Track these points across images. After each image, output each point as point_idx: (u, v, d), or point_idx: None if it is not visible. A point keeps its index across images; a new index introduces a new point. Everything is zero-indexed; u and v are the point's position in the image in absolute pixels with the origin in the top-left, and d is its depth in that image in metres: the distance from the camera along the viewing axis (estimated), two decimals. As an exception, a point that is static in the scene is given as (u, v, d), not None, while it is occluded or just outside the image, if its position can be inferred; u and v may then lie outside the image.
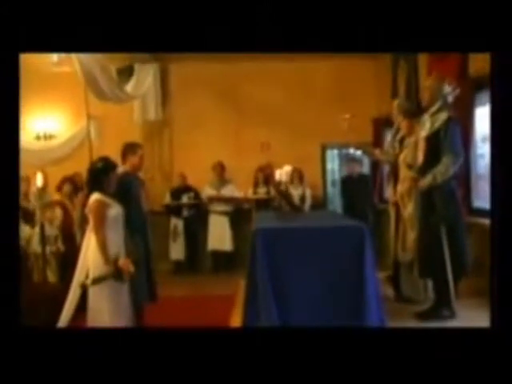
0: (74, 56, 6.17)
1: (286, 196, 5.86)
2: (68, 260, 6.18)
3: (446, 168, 5.28)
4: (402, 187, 5.96)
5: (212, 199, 9.66)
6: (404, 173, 5.92)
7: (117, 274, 4.39)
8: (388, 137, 9.06)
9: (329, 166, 11.58)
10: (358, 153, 11.25)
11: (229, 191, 9.69)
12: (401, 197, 6.00)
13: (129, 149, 5.32)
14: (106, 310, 4.42)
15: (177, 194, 9.74)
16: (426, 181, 5.37)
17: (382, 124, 9.33)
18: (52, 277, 6.69)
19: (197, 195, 9.74)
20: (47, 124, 9.94)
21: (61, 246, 6.76)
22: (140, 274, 4.82)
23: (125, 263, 4.41)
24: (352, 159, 10.05)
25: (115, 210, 4.57)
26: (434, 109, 5.46)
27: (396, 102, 6.85)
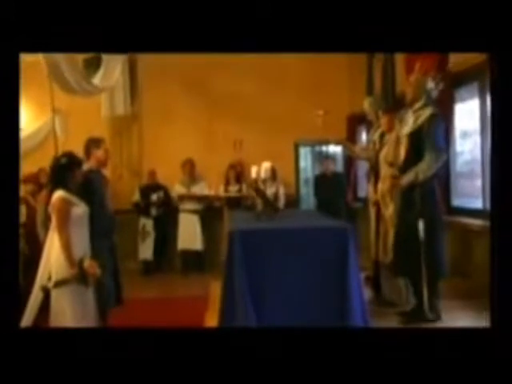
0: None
1: (263, 194, 5.63)
2: (31, 260, 5.88)
3: (428, 165, 5.11)
4: (383, 186, 5.79)
5: (182, 197, 9.43)
6: (385, 171, 5.76)
7: (81, 277, 4.17)
8: (363, 134, 8.99)
9: (302, 163, 11.40)
10: (332, 150, 11.14)
11: (199, 189, 9.48)
12: (382, 196, 5.83)
13: (92, 143, 5.13)
14: (70, 315, 4.20)
15: (146, 191, 9.50)
16: (407, 178, 5.19)
17: (356, 121, 9.21)
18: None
19: (166, 193, 9.52)
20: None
21: (23, 245, 6.43)
22: (106, 278, 4.61)
23: (90, 266, 4.21)
24: (326, 157, 9.93)
25: (80, 209, 4.37)
26: (418, 105, 5.30)
27: (368, 99, 6.71)
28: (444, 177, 6.18)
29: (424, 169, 5.11)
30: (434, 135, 5.12)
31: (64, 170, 4.35)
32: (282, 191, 9.10)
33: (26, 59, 7.72)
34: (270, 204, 5.70)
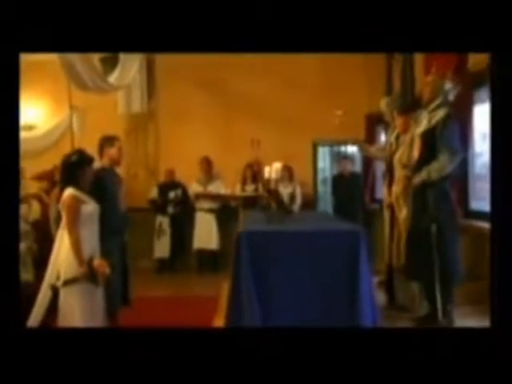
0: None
1: (275, 195, 5.57)
2: (44, 258, 5.89)
3: (441, 165, 4.98)
4: (397, 188, 5.69)
5: (198, 196, 9.40)
6: (399, 173, 5.65)
7: (91, 276, 4.15)
8: (381, 134, 8.88)
9: (320, 163, 11.32)
10: (350, 150, 11.05)
11: (216, 188, 9.45)
12: (396, 199, 5.72)
13: (106, 141, 5.10)
14: (78, 314, 4.18)
15: (164, 189, 9.49)
16: (419, 177, 5.08)
17: (374, 121, 9.09)
18: (28, 275, 6.37)
19: (184, 192, 9.49)
20: (27, 114, 9.53)
21: (33, 242, 6.43)
22: (115, 277, 4.58)
23: (100, 265, 4.20)
24: (344, 157, 9.85)
25: (90, 207, 4.34)
26: (433, 105, 5.18)
27: (385, 100, 6.61)
28: (461, 179, 6.07)
29: (437, 168, 4.99)
30: (448, 135, 4.99)
31: (74, 168, 4.32)
32: (298, 191, 9.04)
33: (42, 57, 7.84)
34: (283, 206, 5.64)
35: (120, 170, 5.77)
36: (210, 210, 9.39)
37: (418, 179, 5.09)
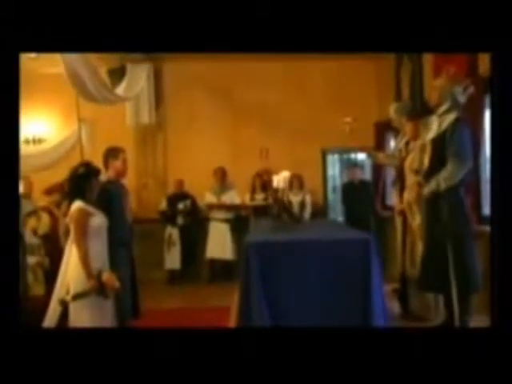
0: (58, 56, 5.86)
1: (283, 204, 5.53)
2: (55, 272, 5.86)
3: (450, 173, 4.85)
4: (409, 195, 5.58)
5: (211, 207, 9.38)
6: (411, 179, 5.55)
7: (100, 290, 4.10)
8: (391, 141, 8.81)
9: (329, 171, 11.26)
10: (360, 158, 10.98)
11: (229, 197, 9.41)
12: (408, 205, 5.62)
13: (110, 154, 5.10)
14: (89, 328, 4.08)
15: (173, 200, 9.45)
16: (429, 187, 4.96)
17: (384, 128, 9.02)
18: (39, 289, 6.34)
19: (194, 202, 9.46)
20: (36, 128, 9.59)
21: (43, 256, 6.40)
22: (125, 290, 4.53)
23: (109, 278, 4.14)
24: (354, 165, 9.80)
25: (99, 220, 4.30)
26: (442, 109, 5.05)
27: (394, 106, 6.53)
28: (474, 184, 5.97)
29: (446, 177, 4.85)
30: (458, 141, 4.86)
31: (82, 180, 4.29)
32: (308, 199, 8.99)
33: (49, 71, 7.85)
34: (292, 215, 5.59)
35: (128, 182, 5.75)
36: (225, 220, 9.36)
37: (427, 190, 4.97)
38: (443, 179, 4.87)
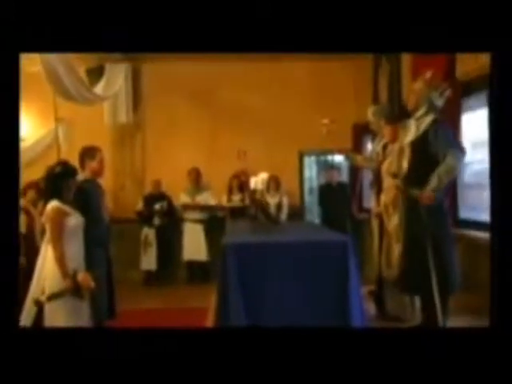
0: (36, 55, 5.81)
1: (261, 206, 5.53)
2: (31, 271, 5.79)
3: (450, 167, 4.83)
4: (386, 197, 5.58)
5: (186, 207, 9.34)
6: (388, 182, 5.56)
7: (75, 290, 4.07)
8: (368, 143, 8.86)
9: (307, 173, 11.29)
10: (337, 160, 11.02)
11: (204, 198, 9.39)
12: (385, 208, 5.63)
13: (86, 153, 5.04)
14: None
15: (150, 200, 9.40)
16: (431, 185, 4.87)
17: (362, 130, 9.07)
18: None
19: (170, 203, 9.42)
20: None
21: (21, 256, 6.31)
22: (100, 290, 4.50)
23: (84, 278, 4.11)
24: (331, 166, 9.83)
25: (75, 220, 4.27)
26: (420, 113, 5.09)
27: (372, 109, 6.55)
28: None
29: (448, 170, 4.84)
30: (445, 135, 4.89)
31: (58, 180, 4.26)
32: (285, 201, 8.98)
33: (28, 70, 7.75)
34: (269, 216, 5.59)
35: (106, 181, 5.70)
36: (199, 221, 9.33)
37: (430, 188, 4.87)
38: (444, 173, 4.85)
